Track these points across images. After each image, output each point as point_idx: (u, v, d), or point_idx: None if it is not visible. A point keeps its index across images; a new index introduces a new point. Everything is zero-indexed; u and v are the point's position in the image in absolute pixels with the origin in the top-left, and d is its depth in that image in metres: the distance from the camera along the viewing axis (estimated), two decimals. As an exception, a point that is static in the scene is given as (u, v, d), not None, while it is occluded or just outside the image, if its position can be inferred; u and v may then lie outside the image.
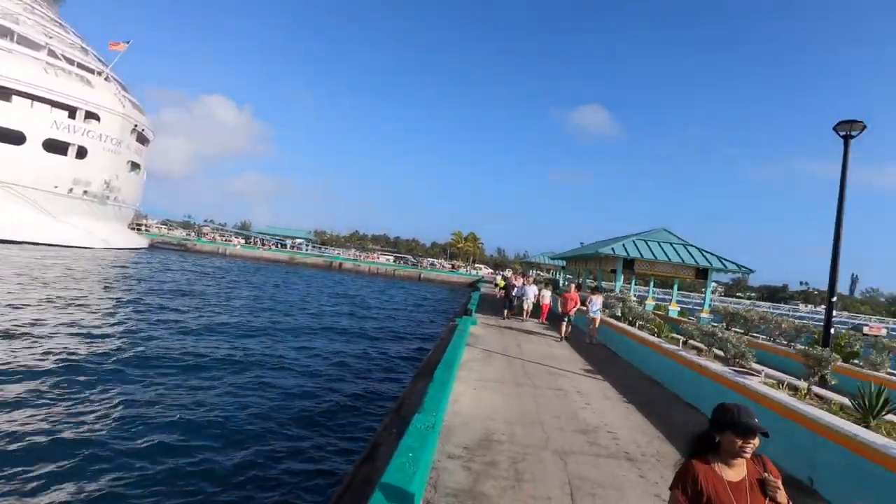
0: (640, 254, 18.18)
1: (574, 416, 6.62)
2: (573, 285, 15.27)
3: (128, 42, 49.69)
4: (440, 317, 28.61)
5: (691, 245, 19.28)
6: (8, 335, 11.83)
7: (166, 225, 79.32)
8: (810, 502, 4.73)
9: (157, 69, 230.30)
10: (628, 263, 18.49)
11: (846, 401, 6.15)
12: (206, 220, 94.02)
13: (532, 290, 17.41)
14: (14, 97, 40.36)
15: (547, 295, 17.65)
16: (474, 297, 23.44)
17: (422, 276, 63.47)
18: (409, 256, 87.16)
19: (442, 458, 4.64)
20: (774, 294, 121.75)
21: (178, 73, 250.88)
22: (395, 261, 75.42)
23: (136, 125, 50.38)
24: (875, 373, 9.50)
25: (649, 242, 18.98)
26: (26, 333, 12.19)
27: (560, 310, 14.43)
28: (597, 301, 13.58)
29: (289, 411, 9.58)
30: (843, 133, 8.67)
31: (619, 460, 5.21)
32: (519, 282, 18.75)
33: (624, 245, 18.57)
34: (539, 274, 46.47)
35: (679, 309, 21.60)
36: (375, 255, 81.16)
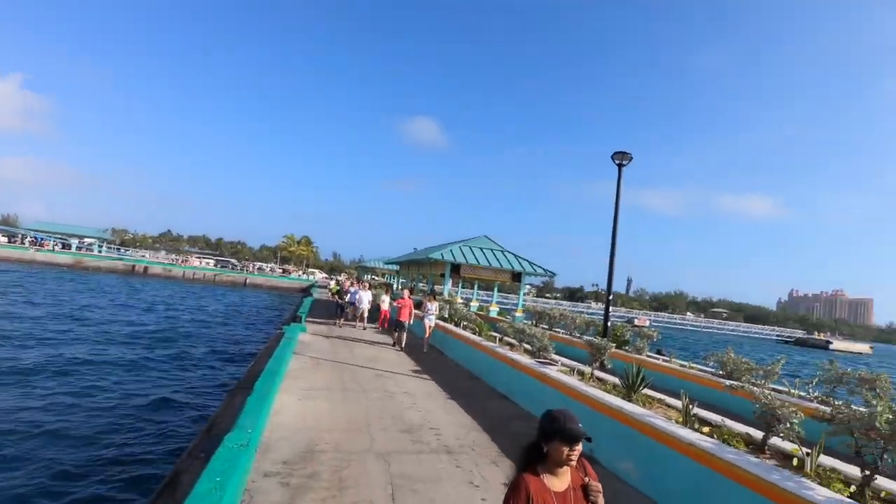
0: (466, 259, 19.67)
1: (400, 417, 6.79)
2: (407, 290, 15.03)
3: None
4: (267, 325, 26.68)
5: (508, 251, 21.54)
6: None
7: None
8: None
9: None
10: (455, 268, 19.82)
11: (617, 380, 7.50)
12: (-56, 212, 71.92)
13: (367, 296, 17.35)
14: None
15: (386, 300, 17.54)
16: (306, 302, 22.51)
17: (248, 281, 58.43)
18: (232, 260, 79.54)
19: (257, 477, 4.31)
20: (574, 294, 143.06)
21: None
22: (216, 265, 68.04)
23: None
24: (638, 356, 11.81)
25: (473, 248, 20.66)
26: None
27: (395, 316, 14.09)
28: (432, 307, 13.52)
29: (62, 445, 7.85)
30: (617, 161, 10.69)
31: (439, 454, 5.50)
32: (354, 287, 18.58)
33: (451, 251, 19.87)
34: (374, 278, 46.75)
35: (499, 309, 23.91)
36: (192, 258, 72.07)
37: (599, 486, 2.10)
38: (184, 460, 5.25)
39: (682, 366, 11.46)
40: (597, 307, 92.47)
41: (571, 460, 2.01)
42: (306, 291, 43.28)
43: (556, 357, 9.50)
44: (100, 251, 63.22)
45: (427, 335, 13.48)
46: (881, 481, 4.19)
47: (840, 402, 4.49)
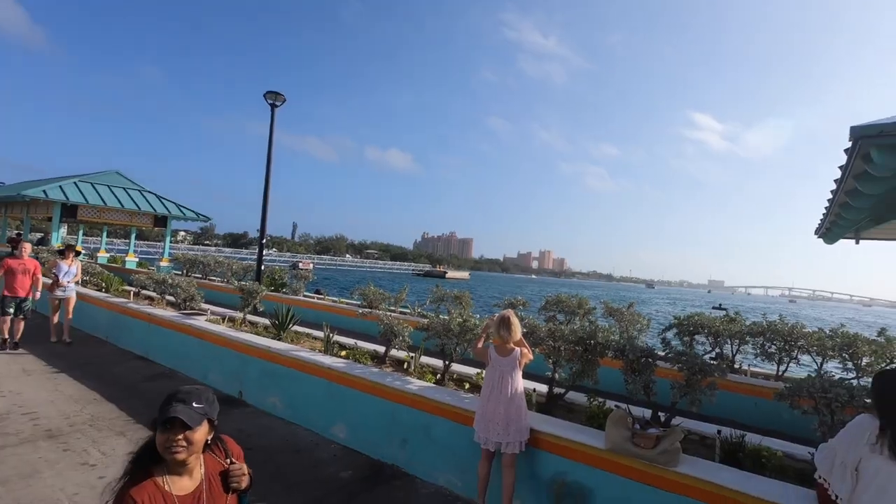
0: (86, 198, 15.51)
1: (-32, 410, 5.01)
2: (28, 245, 8.50)
3: None
4: None
5: (148, 191, 18.21)
6: None
7: None
8: (238, 412, 5.62)
9: None
10: (70, 210, 15.41)
11: (268, 322, 7.62)
12: None
13: None
14: None
15: None
16: None
17: None
18: None
19: None
20: (238, 240, 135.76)
21: None
22: None
23: None
24: (294, 296, 12.33)
25: (97, 186, 16.45)
26: None
27: (4, 290, 7.93)
28: (72, 269, 8.71)
29: None
30: (270, 102, 10.35)
31: (35, 443, 4.37)
32: None
33: (62, 187, 15.25)
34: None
35: (138, 260, 20.25)
36: None
37: (242, 466, 1.73)
38: None
39: (333, 301, 12.62)
40: (274, 253, 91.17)
41: (173, 452, 1.51)
42: None
43: (207, 306, 8.88)
44: None
45: (64, 316, 8.61)
46: (455, 367, 5.79)
47: (433, 315, 5.89)
